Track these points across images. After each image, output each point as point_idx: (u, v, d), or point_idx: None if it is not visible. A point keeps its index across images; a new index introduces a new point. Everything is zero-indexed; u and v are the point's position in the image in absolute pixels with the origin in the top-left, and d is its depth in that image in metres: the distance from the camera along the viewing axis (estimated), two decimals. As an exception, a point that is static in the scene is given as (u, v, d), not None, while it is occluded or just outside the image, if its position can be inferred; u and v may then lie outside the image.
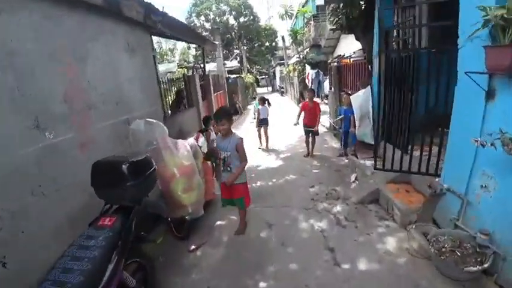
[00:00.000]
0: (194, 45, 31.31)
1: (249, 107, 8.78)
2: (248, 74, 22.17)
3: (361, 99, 5.17)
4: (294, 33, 17.64)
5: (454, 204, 3.01)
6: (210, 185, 4.02)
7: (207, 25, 29.86)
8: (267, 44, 35.88)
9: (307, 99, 6.52)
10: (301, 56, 17.78)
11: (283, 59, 25.81)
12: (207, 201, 3.88)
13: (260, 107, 7.76)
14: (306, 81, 14.94)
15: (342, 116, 6.13)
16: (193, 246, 3.24)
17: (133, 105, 3.59)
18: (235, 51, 31.01)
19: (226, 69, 15.87)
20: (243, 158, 3.29)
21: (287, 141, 8.34)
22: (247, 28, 32.46)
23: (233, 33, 32.07)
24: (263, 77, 40.80)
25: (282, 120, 12.11)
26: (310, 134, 6.53)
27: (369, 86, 5.20)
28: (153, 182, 2.29)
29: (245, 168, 3.44)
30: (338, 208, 4.14)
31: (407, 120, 4.18)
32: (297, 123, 6.57)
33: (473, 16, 2.47)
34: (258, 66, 37.54)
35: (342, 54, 14.21)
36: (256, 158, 6.87)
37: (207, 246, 3.34)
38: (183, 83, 6.10)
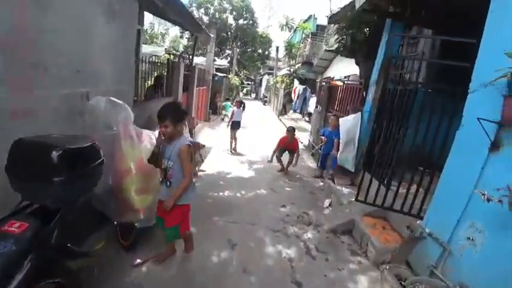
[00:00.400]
0: (187, 36, 30.52)
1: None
2: (235, 76, 21.73)
3: (349, 124, 4.93)
4: (289, 46, 17.55)
5: (434, 250, 2.86)
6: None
7: (205, 19, 29.02)
8: (260, 51, 35.75)
9: (286, 134, 6.14)
10: (292, 70, 17.70)
11: (272, 69, 25.76)
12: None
13: (235, 109, 7.74)
14: (292, 95, 14.80)
15: (324, 137, 5.89)
16: (138, 261, 2.70)
17: (99, 78, 3.02)
18: (227, 51, 30.45)
19: (215, 66, 15.35)
20: (186, 172, 2.47)
21: (263, 152, 7.96)
22: (244, 31, 32.10)
23: (229, 33, 31.55)
24: (249, 82, 40.67)
25: (260, 129, 11.80)
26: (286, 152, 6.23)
27: (359, 112, 4.98)
28: (95, 180, 1.76)
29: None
30: (309, 235, 3.80)
31: (394, 154, 3.96)
32: (271, 161, 6.15)
33: (495, 61, 2.34)
34: (246, 72, 37.28)
35: (332, 76, 14.29)
36: (228, 165, 6.43)
37: (155, 262, 2.81)
38: (166, 69, 5.54)
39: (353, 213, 4.06)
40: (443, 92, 3.28)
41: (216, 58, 14.31)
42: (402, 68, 4.28)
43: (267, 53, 36.47)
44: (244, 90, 33.85)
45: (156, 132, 3.19)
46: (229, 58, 24.36)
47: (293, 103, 13.69)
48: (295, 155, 6.02)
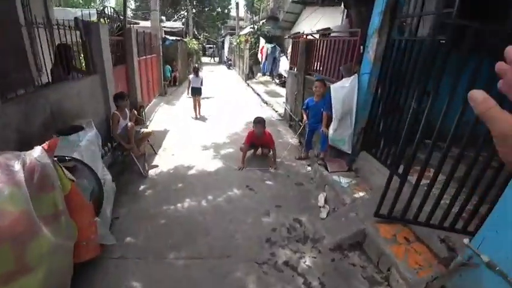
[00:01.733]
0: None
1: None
2: (193, 39, 19.24)
3: (345, 92, 3.67)
4: (250, -1, 15.30)
5: (494, 286, 1.85)
6: (89, 234, 2.14)
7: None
8: (219, 9, 32.50)
9: (253, 129, 4.55)
10: (256, 27, 15.73)
11: (234, 29, 23.36)
12: (84, 262, 2.05)
13: (191, 76, 7.89)
14: (259, 56, 13.09)
15: (308, 110, 4.64)
16: None
17: None
18: (182, 12, 27.02)
19: (165, 29, 13.04)
20: None
21: (230, 129, 6.64)
22: (198, -13, 28.63)
23: (181, -10, 27.81)
24: (211, 45, 37.73)
25: (228, 99, 10.24)
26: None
27: (356, 75, 3.72)
28: None
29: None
30: (307, 261, 2.70)
31: (411, 129, 2.82)
32: (243, 167, 4.55)
33: None
34: (207, 34, 34.05)
35: (302, 31, 12.69)
36: (189, 155, 5.04)
37: None
38: (80, 35, 3.78)
39: (361, 219, 2.98)
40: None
41: (163, 18, 11.92)
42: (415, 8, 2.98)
43: (226, 11, 33.31)
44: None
45: (27, 154, 1.76)
46: (184, 20, 21.48)
47: (261, 65, 12.04)
48: (272, 152, 4.64)
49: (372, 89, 3.64)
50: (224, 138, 6.06)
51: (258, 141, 4.68)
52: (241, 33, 20.15)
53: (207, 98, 10.48)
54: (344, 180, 3.71)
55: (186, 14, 24.32)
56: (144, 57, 7.31)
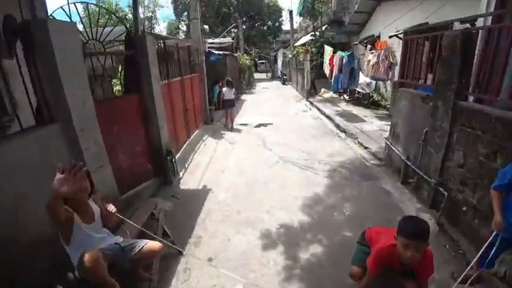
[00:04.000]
0: (185, 18, 26.20)
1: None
2: (244, 54, 17.52)
3: None
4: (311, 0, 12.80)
5: None
6: None
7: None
8: (270, 23, 31.09)
9: (399, 246, 1.74)
10: (318, 33, 13.21)
11: (286, 42, 21.25)
12: None
13: (224, 88, 7.86)
14: (326, 67, 10.45)
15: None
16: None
17: None
18: (232, 30, 26.13)
19: (213, 45, 11.32)
20: None
21: (305, 187, 4.12)
22: (248, 2, 27.58)
23: (231, 7, 27.07)
24: (263, 61, 36.56)
25: (288, 128, 7.49)
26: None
27: None
28: None
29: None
30: None
31: None
32: None
33: None
34: (258, 50, 32.76)
35: (377, 34, 9.84)
36: (237, 264, 2.59)
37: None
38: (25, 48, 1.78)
39: None
40: None
41: (205, 27, 10.12)
42: None
43: (277, 24, 31.73)
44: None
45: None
46: (233, 34, 20.13)
47: (332, 79, 9.34)
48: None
49: None
50: (298, 211, 3.54)
51: (400, 267, 2.02)
52: (297, 44, 17.85)
53: (264, 125, 8.20)
54: None
55: (236, 30, 23.19)
56: (179, 78, 5.30)
